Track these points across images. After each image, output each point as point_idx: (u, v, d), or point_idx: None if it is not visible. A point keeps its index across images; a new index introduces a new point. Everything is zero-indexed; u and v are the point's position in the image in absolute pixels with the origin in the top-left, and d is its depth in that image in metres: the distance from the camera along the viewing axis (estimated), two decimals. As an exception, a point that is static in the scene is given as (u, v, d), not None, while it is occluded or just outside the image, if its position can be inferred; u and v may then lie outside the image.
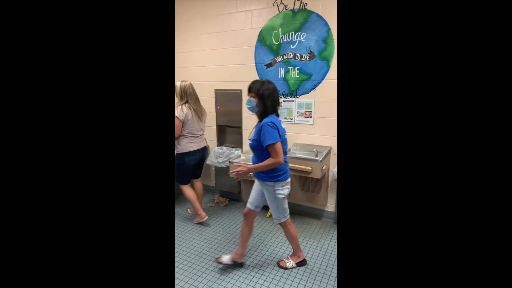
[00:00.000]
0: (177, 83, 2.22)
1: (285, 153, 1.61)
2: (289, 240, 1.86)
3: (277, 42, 2.44)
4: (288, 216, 1.77)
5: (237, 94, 2.73)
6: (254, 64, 2.60)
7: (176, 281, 1.74)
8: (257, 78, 2.60)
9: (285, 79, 2.48)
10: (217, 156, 2.74)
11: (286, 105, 2.52)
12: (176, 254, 2.02)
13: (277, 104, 1.61)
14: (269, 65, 2.53)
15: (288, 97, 2.50)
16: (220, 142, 3.00)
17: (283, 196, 1.66)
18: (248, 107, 1.62)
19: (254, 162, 1.65)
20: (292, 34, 2.37)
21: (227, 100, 2.81)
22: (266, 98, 1.56)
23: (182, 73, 3.03)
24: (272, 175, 1.62)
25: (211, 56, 2.82)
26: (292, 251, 1.94)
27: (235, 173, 1.60)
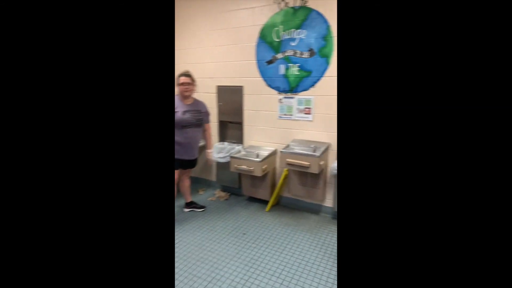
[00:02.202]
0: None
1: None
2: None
3: (278, 39, 2.48)
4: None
5: (238, 90, 2.78)
6: (256, 61, 2.64)
7: (176, 270, 1.81)
8: (258, 74, 2.65)
9: (285, 76, 2.52)
10: (219, 151, 2.80)
11: (286, 102, 2.56)
12: (176, 245, 2.09)
13: None
14: (270, 62, 2.57)
15: (288, 94, 2.54)
16: (222, 137, 3.05)
17: None
18: None
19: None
20: (292, 31, 2.40)
21: (228, 96, 2.86)
22: None
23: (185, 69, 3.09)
24: None
25: (214, 53, 2.87)
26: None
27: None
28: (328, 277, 1.76)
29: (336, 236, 2.20)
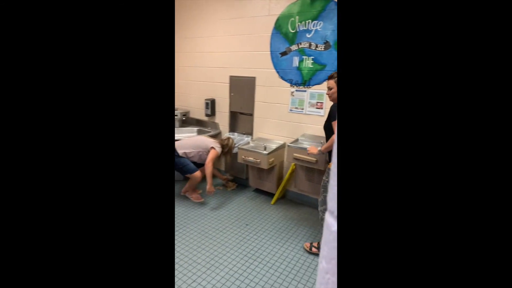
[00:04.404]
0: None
1: None
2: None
3: (293, 30, 2.41)
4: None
5: (251, 81, 2.75)
6: (269, 52, 2.59)
7: (177, 255, 1.86)
8: (271, 66, 2.60)
9: (298, 68, 2.46)
10: (228, 141, 2.81)
11: (298, 95, 2.51)
12: (179, 231, 2.14)
13: None
14: (283, 54, 2.52)
15: (300, 87, 2.49)
16: (232, 128, 3.06)
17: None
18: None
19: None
20: (308, 22, 2.32)
21: (241, 87, 2.85)
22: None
23: (197, 58, 3.10)
24: None
25: (228, 42, 2.84)
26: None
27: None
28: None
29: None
